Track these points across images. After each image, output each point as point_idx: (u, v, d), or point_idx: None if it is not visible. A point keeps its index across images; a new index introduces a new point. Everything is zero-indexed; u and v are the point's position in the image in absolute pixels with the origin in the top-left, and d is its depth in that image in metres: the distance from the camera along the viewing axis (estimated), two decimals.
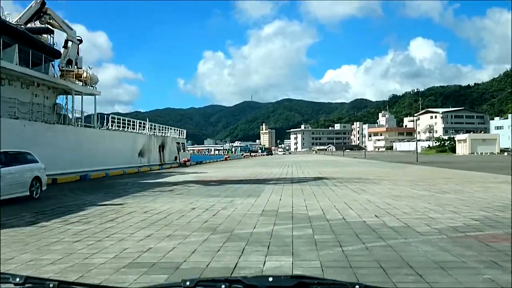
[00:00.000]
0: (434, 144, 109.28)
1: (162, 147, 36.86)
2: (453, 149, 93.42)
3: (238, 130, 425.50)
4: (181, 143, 43.89)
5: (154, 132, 37.51)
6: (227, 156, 52.93)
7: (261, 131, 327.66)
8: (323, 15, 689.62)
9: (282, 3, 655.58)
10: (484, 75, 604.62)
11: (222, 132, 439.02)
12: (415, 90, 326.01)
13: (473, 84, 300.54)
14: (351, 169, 26.38)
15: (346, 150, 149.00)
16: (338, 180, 18.23)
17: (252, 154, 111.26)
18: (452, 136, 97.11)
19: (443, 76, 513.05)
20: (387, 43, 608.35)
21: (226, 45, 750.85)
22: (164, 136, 38.81)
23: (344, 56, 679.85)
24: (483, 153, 77.59)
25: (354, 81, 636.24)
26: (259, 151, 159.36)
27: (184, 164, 33.94)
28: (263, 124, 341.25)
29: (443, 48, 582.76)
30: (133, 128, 35.28)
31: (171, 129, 43.19)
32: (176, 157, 36.48)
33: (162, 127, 40.05)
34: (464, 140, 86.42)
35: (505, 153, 71.96)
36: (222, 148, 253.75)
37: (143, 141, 34.42)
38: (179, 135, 44.89)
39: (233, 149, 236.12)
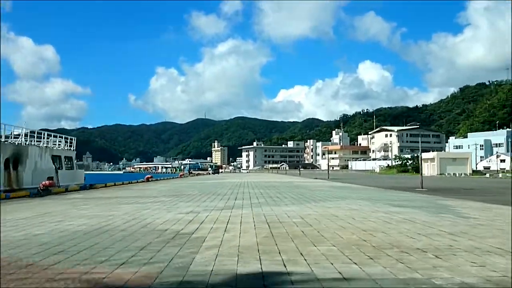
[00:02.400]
0: (395, 163, 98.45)
1: (15, 162, 21.66)
2: (416, 169, 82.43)
3: (190, 147, 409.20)
4: (65, 157, 28.37)
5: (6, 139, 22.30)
6: (149, 176, 37.38)
7: (213, 149, 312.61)
8: (277, 35, 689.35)
9: (236, 22, 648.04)
10: (429, 98, 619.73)
11: (174, 149, 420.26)
12: (365, 111, 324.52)
13: (421, 105, 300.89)
14: (343, 214, 13.13)
15: (301, 169, 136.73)
16: None
17: (192, 172, 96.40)
18: (415, 154, 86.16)
19: (390, 98, 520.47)
20: (337, 65, 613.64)
21: (180, 62, 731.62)
22: (24, 145, 23.35)
23: (297, 76, 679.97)
24: (456, 174, 66.51)
25: (306, 101, 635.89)
26: (209, 169, 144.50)
27: (44, 191, 18.82)
28: (216, 141, 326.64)
29: (390, 71, 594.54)
30: None
31: (52, 136, 27.65)
32: (49, 179, 21.07)
33: (36, 133, 24.89)
34: (432, 159, 75.39)
35: (499, 175, 58.18)
36: (171, 166, 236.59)
37: None
38: (63, 146, 29.14)
39: (182, 167, 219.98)
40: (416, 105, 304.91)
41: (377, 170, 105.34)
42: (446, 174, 68.00)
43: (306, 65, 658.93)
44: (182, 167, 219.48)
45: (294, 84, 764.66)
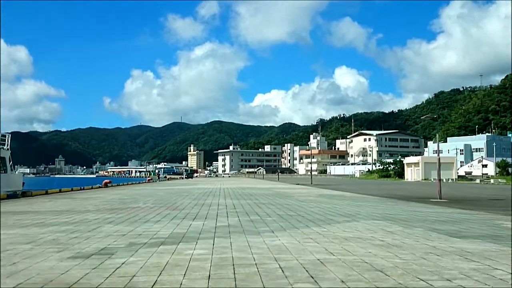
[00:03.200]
0: (376, 168, 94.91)
1: None
2: (399, 174, 78.91)
3: (166, 151, 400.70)
4: None
5: None
6: (107, 181, 31.68)
7: (189, 153, 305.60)
8: (254, 39, 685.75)
9: (213, 26, 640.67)
10: (404, 104, 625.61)
11: (150, 153, 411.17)
12: (342, 115, 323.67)
13: (396, 111, 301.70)
14: (387, 261, 8.52)
15: (277, 173, 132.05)
16: None
17: (166, 176, 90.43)
18: (397, 158, 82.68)
19: (366, 103, 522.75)
20: (314, 70, 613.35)
21: (156, 65, 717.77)
22: None
23: (274, 81, 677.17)
24: (444, 180, 62.79)
25: (282, 105, 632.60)
26: (184, 173, 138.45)
27: None
28: (192, 145, 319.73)
29: (366, 77, 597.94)
30: None
31: None
32: None
33: None
34: (416, 164, 71.78)
35: (491, 181, 53.51)
36: (145, 170, 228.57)
37: None
38: None
39: (157, 171, 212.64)
40: (392, 110, 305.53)
41: (357, 175, 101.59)
42: (432, 179, 64.29)
43: (283, 70, 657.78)
44: (157, 171, 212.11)
45: (271, 89, 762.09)
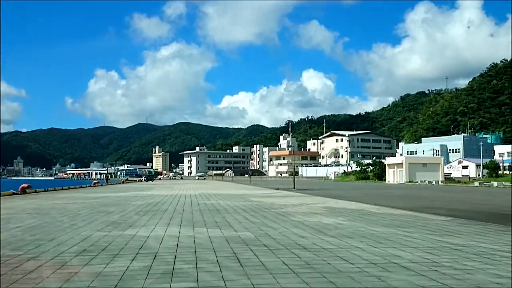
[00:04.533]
0: (351, 169, 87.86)
1: None
2: (379, 176, 71.83)
3: (131, 153, 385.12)
4: None
5: None
6: (25, 186, 21.65)
7: (154, 155, 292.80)
8: (221, 40, 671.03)
9: (180, 25, 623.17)
10: (369, 106, 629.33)
11: (113, 155, 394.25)
12: (310, 117, 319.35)
13: (363, 113, 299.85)
14: None
15: (246, 175, 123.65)
16: None
17: (128, 179, 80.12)
18: (378, 160, 75.62)
19: (333, 106, 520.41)
20: (281, 72, 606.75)
21: (121, 65, 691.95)
22: None
23: (242, 83, 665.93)
24: (433, 182, 55.69)
25: (250, 107, 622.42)
26: (143, 176, 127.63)
27: None
28: (157, 147, 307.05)
29: (332, 80, 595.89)
30: None
31: None
32: None
33: None
34: (399, 165, 64.69)
35: (493, 183, 44.51)
36: (106, 172, 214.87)
37: None
38: None
39: (118, 173, 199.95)
40: (359, 113, 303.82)
41: (332, 177, 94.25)
42: (420, 182, 57.20)
43: (250, 72, 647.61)
44: (118, 173, 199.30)
45: (238, 91, 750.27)
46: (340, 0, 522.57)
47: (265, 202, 17.20)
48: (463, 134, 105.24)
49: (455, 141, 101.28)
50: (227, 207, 14.87)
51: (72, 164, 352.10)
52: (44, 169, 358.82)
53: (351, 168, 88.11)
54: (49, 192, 30.73)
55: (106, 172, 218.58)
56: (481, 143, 73.42)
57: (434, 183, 54.58)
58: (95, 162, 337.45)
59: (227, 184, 53.38)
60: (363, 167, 78.08)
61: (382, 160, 73.04)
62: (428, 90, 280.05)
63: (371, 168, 75.58)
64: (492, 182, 46.41)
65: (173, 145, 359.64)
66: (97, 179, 67.65)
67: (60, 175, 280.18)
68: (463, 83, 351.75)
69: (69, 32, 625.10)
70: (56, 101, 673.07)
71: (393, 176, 65.90)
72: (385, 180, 68.81)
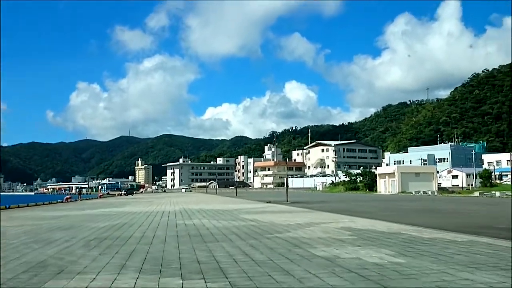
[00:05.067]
0: (339, 180, 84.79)
1: None
2: (369, 187, 68.74)
3: (113, 166, 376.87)
4: None
5: None
6: None
7: (136, 167, 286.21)
8: (204, 52, 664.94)
9: (162, 38, 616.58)
10: (351, 117, 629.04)
11: (95, 168, 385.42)
12: (293, 128, 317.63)
13: (347, 123, 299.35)
14: None
15: (231, 187, 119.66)
16: None
17: (109, 193, 75.40)
18: (369, 170, 72.55)
19: (315, 117, 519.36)
20: (265, 84, 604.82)
21: (103, 77, 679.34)
22: None
23: (225, 94, 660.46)
24: (428, 192, 52.67)
25: (234, 119, 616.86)
26: (123, 189, 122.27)
27: None
28: (140, 159, 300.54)
29: (315, 91, 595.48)
30: None
31: None
32: None
33: None
34: (390, 174, 61.69)
35: (496, 193, 40.44)
36: (87, 186, 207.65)
37: None
38: None
39: (99, 187, 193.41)
40: (342, 123, 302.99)
41: (319, 187, 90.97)
42: (414, 192, 54.16)
43: (234, 83, 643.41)
44: (100, 187, 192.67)
45: (222, 102, 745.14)
46: (321, 12, 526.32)
47: (261, 222, 13.52)
48: (450, 144, 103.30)
49: (442, 150, 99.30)
50: (214, 230, 11.17)
51: (54, 179, 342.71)
52: (25, 184, 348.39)
53: (340, 178, 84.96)
54: (9, 210, 26.70)
55: (87, 186, 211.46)
56: (473, 152, 71.08)
57: (429, 193, 51.60)
58: (76, 176, 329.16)
59: (212, 197, 49.46)
60: (352, 177, 74.95)
61: (373, 170, 69.97)
62: (410, 101, 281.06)
63: (361, 178, 72.48)
64: (493, 192, 43.50)
65: (156, 158, 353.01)
66: (70, 194, 62.62)
67: (41, 190, 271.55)
68: (443, 94, 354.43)
69: (50, 45, 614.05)
70: (37, 115, 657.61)
71: (385, 187, 62.85)
72: (375, 190, 65.76)
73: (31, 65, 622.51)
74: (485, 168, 67.41)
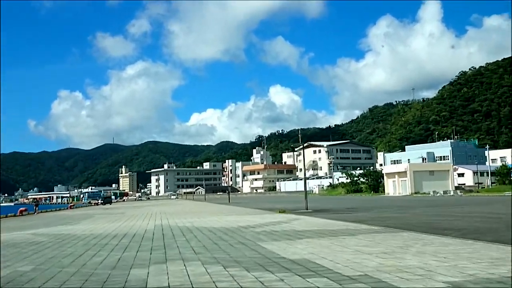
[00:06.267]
0: (338, 182, 77.10)
1: None
2: (375, 188, 61.21)
3: (97, 174, 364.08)
4: None
5: None
6: None
7: (120, 175, 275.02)
8: (188, 58, 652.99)
9: (145, 44, 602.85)
10: (337, 120, 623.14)
11: (79, 177, 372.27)
12: (280, 131, 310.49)
13: (333, 126, 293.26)
14: None
15: (219, 193, 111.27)
16: None
17: (90, 202, 66.23)
18: (375, 169, 64.93)
19: (301, 120, 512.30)
20: (249, 88, 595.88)
21: (85, 85, 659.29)
22: None
23: (209, 100, 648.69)
24: (448, 193, 45.16)
25: (219, 124, 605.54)
26: (112, 197, 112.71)
27: None
28: (124, 167, 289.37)
29: (299, 95, 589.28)
30: None
31: None
32: None
33: None
34: (401, 173, 54.15)
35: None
36: (69, 195, 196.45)
37: None
38: None
39: (81, 196, 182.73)
40: (329, 125, 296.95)
41: (316, 190, 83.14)
42: (432, 193, 46.61)
43: (218, 88, 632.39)
44: (82, 196, 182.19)
45: (206, 108, 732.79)
46: (304, 15, 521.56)
47: (326, 268, 5.43)
48: (450, 141, 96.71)
49: (442, 148, 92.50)
50: None
51: (36, 189, 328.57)
52: (6, 195, 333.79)
53: (338, 180, 77.30)
54: None
55: (68, 195, 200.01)
56: (487, 147, 64.05)
57: (452, 193, 44.14)
58: (59, 185, 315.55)
59: (201, 205, 41.11)
60: (353, 179, 67.33)
61: (377, 169, 62.44)
62: (396, 101, 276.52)
63: (363, 179, 64.91)
64: None
65: (141, 165, 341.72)
66: (25, 206, 53.33)
67: (21, 200, 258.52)
68: (426, 94, 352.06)
69: (30, 52, 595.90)
70: (18, 124, 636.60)
71: (394, 187, 55.32)
72: (381, 192, 58.25)
73: (10, 74, 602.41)
74: (503, 164, 60.43)
